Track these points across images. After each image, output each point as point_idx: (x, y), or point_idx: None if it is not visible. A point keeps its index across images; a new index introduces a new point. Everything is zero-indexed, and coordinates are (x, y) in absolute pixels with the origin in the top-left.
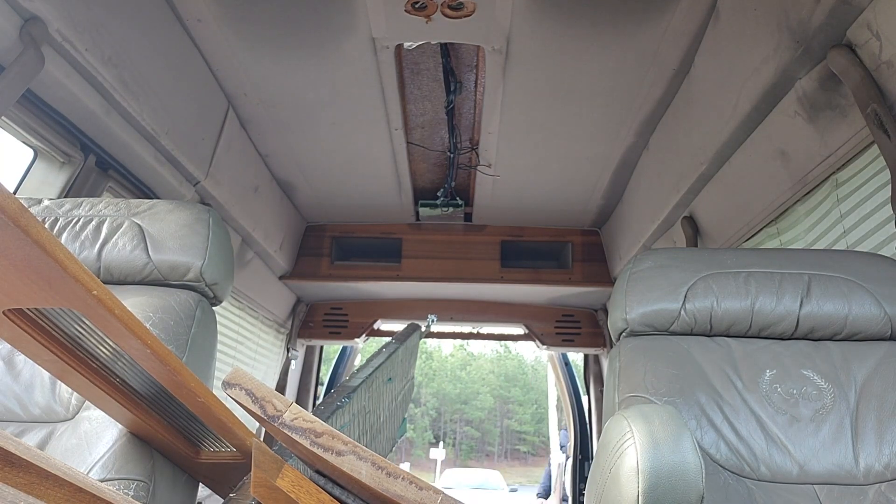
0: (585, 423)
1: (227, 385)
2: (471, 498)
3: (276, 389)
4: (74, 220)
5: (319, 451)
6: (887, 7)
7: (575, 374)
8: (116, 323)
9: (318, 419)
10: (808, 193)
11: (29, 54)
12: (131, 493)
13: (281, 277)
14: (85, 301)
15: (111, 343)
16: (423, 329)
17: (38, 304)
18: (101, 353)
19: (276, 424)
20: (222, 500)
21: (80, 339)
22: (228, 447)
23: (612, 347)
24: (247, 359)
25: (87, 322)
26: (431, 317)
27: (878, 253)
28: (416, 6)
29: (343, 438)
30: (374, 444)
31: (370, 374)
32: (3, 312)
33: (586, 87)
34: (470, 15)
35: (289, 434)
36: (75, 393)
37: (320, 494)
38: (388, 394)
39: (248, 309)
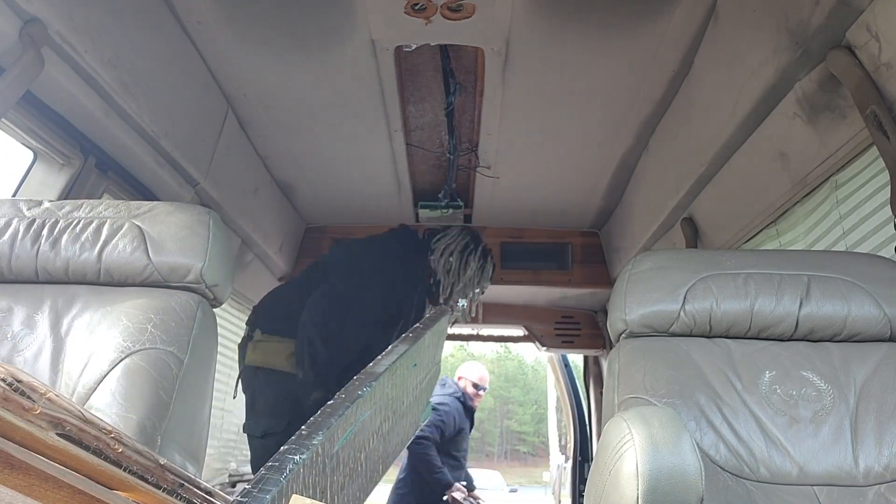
0: (585, 425)
1: None
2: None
3: None
4: (75, 222)
5: None
6: (886, 8)
7: (575, 375)
8: None
9: None
10: (807, 195)
11: (29, 56)
12: None
13: (280, 279)
14: None
15: None
16: (453, 314)
17: None
18: None
19: None
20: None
21: None
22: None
23: (611, 349)
24: None
25: None
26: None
27: (878, 254)
28: (416, 8)
29: None
30: (397, 429)
31: (394, 362)
32: None
33: (586, 89)
34: (469, 17)
35: None
36: (75, 394)
37: None
38: (413, 378)
39: (247, 311)
